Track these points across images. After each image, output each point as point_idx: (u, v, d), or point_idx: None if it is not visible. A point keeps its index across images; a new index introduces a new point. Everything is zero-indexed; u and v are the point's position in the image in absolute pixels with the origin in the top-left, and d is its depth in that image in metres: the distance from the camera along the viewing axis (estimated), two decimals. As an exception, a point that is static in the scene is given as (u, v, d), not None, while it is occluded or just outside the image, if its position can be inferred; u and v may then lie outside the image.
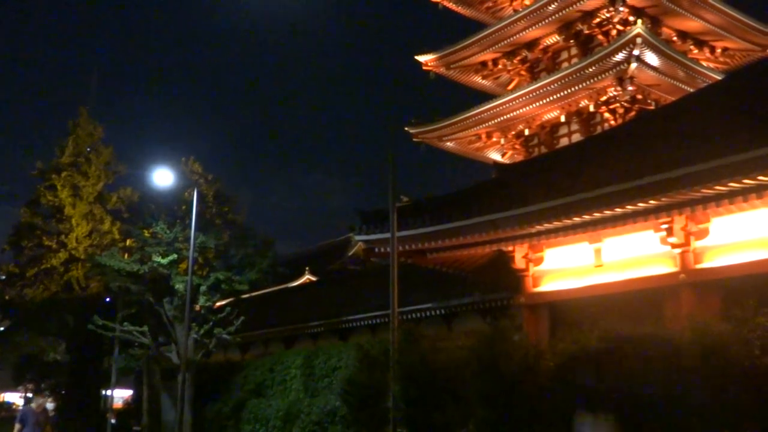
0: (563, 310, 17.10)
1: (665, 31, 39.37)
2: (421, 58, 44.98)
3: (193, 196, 24.65)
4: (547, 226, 15.21)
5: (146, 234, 28.49)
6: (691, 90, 33.58)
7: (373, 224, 18.53)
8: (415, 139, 45.00)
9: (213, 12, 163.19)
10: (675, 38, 39.78)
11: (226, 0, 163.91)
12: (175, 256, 26.74)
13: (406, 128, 44.71)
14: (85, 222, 36.93)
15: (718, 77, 34.57)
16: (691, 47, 40.39)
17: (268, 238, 30.83)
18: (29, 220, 37.67)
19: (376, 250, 19.07)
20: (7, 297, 37.58)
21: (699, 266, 14.64)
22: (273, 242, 31.43)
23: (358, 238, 19.73)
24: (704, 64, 38.75)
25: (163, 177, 27.29)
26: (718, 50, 41.30)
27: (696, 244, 14.75)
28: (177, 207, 28.94)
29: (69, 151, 38.69)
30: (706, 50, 41.02)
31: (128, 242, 32.93)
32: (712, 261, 14.49)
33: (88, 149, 39.24)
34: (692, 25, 39.03)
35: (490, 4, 45.92)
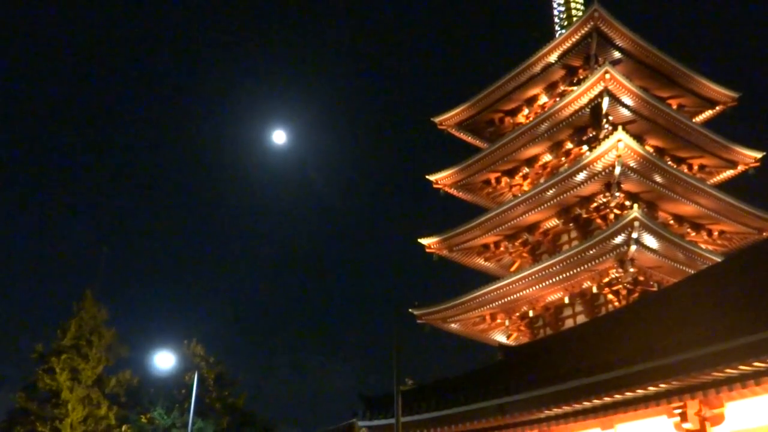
0: (578, 502, 16.15)
1: (662, 214, 40.51)
2: (424, 241, 45.99)
3: (193, 380, 24.23)
4: (556, 411, 14.78)
5: (143, 420, 27.70)
6: (692, 271, 33.93)
7: (376, 409, 18.05)
8: (419, 321, 44.88)
9: (218, 194, 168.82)
10: (672, 222, 40.86)
11: (230, 183, 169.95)
12: (172, 443, 25.83)
13: (410, 310, 44.71)
14: (81, 407, 35.83)
15: (718, 259, 35.09)
16: (689, 230, 41.37)
17: (268, 425, 29.94)
18: (24, 405, 36.60)
19: (381, 436, 18.42)
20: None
21: (718, 454, 14.02)
22: (273, 429, 30.50)
23: (361, 424, 19.16)
24: (703, 246, 39.50)
25: (164, 360, 27.02)
26: (715, 233, 42.27)
27: (712, 430, 14.22)
28: (176, 391, 28.39)
29: (71, 333, 38.33)
30: (704, 233, 41.99)
31: (124, 428, 31.84)
32: (730, 449, 13.90)
33: (90, 331, 38.95)
34: (687, 209, 40.23)
35: (490, 190, 47.65)
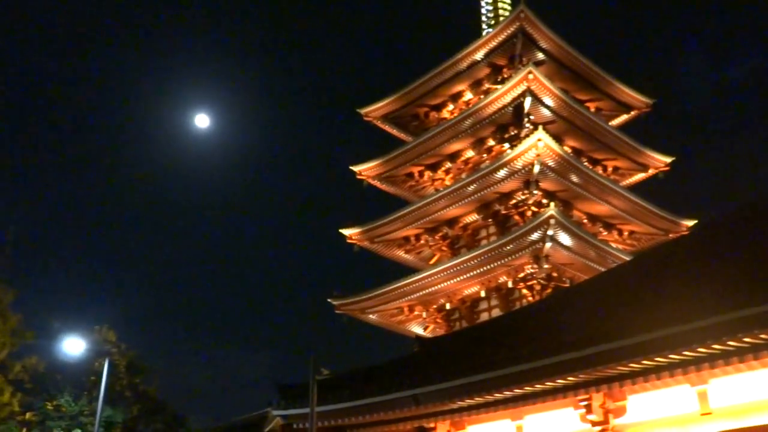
0: (487, 491, 16.56)
1: (576, 213, 41.77)
2: (346, 232, 45.95)
3: (103, 367, 23.48)
4: (468, 402, 15.08)
5: (49, 407, 26.70)
6: (603, 269, 35.15)
7: (292, 399, 17.95)
8: (337, 311, 44.89)
9: (134, 178, 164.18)
10: (586, 221, 42.20)
11: (148, 167, 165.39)
12: (79, 431, 25.04)
13: (328, 300, 44.69)
14: (-18, 393, 34.37)
15: (626, 258, 36.45)
16: (601, 229, 42.82)
17: (179, 413, 29.45)
18: None
19: (295, 426, 18.36)
20: None
21: (618, 444, 14.62)
22: (185, 417, 30.00)
23: (275, 413, 19.04)
24: (613, 245, 40.96)
25: (73, 345, 25.99)
26: (626, 233, 43.91)
27: (615, 422, 14.81)
28: (85, 378, 27.50)
29: (-28, 318, 36.60)
30: (615, 233, 43.55)
31: (28, 416, 30.63)
32: (630, 439, 14.50)
33: (-6, 315, 37.25)
34: (601, 209, 41.62)
35: (413, 183, 48.01)
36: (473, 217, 42.86)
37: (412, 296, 42.65)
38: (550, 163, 37.63)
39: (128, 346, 30.05)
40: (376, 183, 48.23)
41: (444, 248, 45.22)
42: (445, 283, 40.72)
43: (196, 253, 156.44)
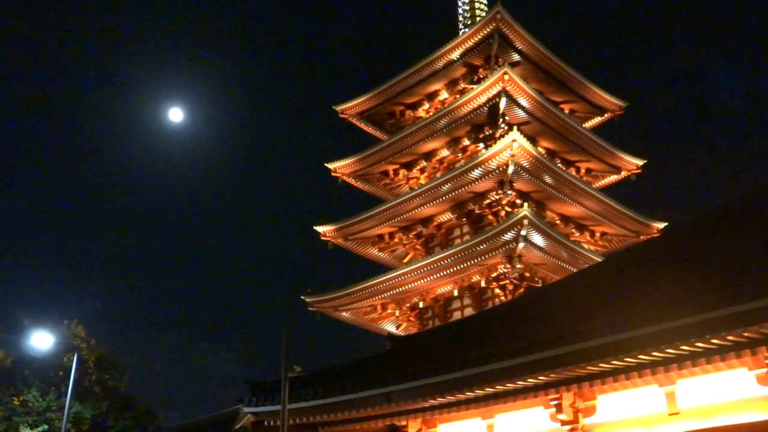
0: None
1: (549, 214, 42.11)
2: (320, 229, 45.92)
3: (72, 362, 23.25)
4: (440, 400, 15.14)
5: (16, 402, 26.34)
6: (574, 269, 35.48)
7: (263, 395, 17.86)
8: (310, 308, 44.83)
9: (107, 171, 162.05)
10: (558, 221, 42.56)
11: (121, 159, 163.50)
12: (46, 427, 24.75)
13: (302, 297, 44.61)
14: (-54, 387, 33.81)
15: (598, 259, 36.82)
16: (573, 230, 43.21)
17: (149, 409, 29.25)
18: None
19: (266, 423, 18.28)
20: None
21: (587, 443, 14.78)
22: (155, 413, 29.79)
23: (247, 410, 18.90)
24: (585, 246, 41.34)
25: (41, 340, 25.70)
26: (598, 234, 44.35)
27: (584, 421, 14.97)
28: (53, 373, 27.17)
29: (-62, 310, 36.02)
30: (587, 234, 43.97)
31: (-7, 411, 30.28)
32: (599, 438, 14.67)
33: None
34: (573, 210, 42.00)
35: (388, 182, 48.07)
36: (447, 216, 43.03)
37: (385, 294, 42.71)
38: (525, 164, 37.88)
39: (98, 342, 29.77)
40: (351, 181, 48.23)
41: (418, 247, 45.35)
42: (419, 282, 40.83)
43: (168, 249, 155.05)
